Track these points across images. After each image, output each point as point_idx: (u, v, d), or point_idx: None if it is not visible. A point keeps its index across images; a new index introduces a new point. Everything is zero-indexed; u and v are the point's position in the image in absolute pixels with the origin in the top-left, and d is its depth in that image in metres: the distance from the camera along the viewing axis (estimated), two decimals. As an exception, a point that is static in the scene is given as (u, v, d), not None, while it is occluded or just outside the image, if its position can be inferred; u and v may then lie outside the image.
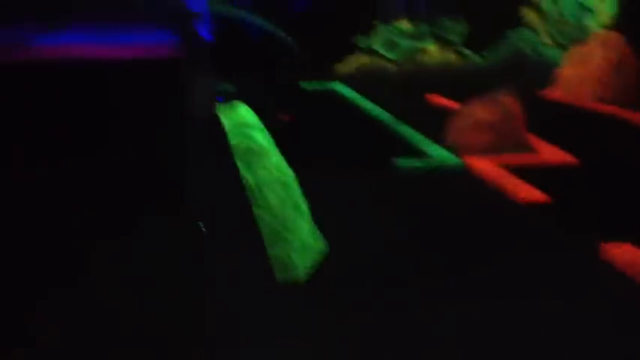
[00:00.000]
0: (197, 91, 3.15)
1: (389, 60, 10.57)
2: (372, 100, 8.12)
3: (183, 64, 2.77)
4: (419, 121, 6.90)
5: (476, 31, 10.64)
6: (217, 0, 9.82)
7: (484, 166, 5.36)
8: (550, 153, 5.75)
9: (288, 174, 3.47)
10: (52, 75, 2.56)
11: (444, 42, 10.74)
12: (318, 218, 3.75)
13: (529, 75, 9.99)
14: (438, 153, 5.70)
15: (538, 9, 10.16)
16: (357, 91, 8.74)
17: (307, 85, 9.25)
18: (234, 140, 3.31)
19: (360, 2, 10.35)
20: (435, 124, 6.22)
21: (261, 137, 3.44)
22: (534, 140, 6.05)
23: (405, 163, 5.43)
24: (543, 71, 9.72)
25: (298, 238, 3.42)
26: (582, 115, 7.38)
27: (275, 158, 3.39)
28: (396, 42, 10.62)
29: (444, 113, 6.96)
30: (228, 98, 7.82)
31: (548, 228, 4.26)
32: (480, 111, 5.83)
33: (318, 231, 3.88)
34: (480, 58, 10.83)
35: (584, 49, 8.14)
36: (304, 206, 3.72)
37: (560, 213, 4.48)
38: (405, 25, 10.65)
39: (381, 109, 7.56)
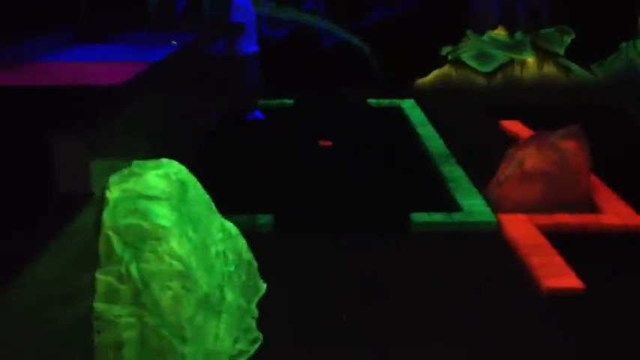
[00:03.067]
0: (69, 162, 2.55)
1: (479, 73, 9.41)
2: (438, 125, 7.14)
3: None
4: (478, 157, 5.88)
5: (583, 41, 9.17)
6: (288, 5, 9.24)
7: (520, 230, 4.30)
8: (616, 214, 4.54)
9: (191, 263, 2.76)
10: None
11: (544, 54, 9.38)
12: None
13: (640, 96, 8.44)
14: (472, 206, 4.71)
15: (659, 17, 8.55)
16: (428, 112, 7.77)
17: (375, 102, 8.40)
18: (121, 219, 2.67)
19: (448, 8, 9.23)
20: (496, 162, 5.16)
21: (165, 213, 2.78)
22: (603, 195, 4.85)
23: (420, 218, 4.50)
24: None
25: (202, 350, 2.72)
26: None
27: (174, 242, 2.71)
28: (489, 53, 9.42)
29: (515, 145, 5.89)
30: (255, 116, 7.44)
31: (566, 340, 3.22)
32: (532, 157, 4.73)
33: (252, 325, 3.16)
34: (587, 73, 9.34)
35: None
36: (229, 297, 3.01)
37: (594, 315, 3.40)
38: (500, 34, 9.43)
39: (439, 139, 6.58)
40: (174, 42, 6.04)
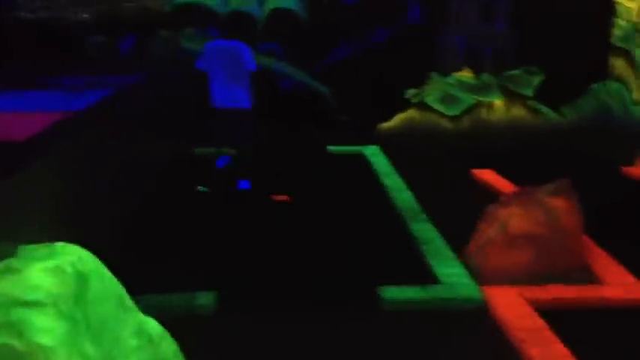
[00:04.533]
0: None
1: (445, 116, 8.89)
2: (404, 174, 6.51)
3: None
4: (452, 213, 5.24)
5: (553, 82, 8.76)
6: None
7: (510, 307, 3.63)
8: (619, 284, 3.91)
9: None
10: None
11: (512, 95, 8.93)
12: None
13: (615, 140, 8.01)
14: (451, 276, 4.02)
15: (630, 58, 8.18)
16: (393, 159, 7.16)
17: (336, 149, 7.76)
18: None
19: (411, 49, 8.73)
20: (472, 219, 4.51)
21: (48, 326, 2.02)
22: (600, 260, 4.24)
23: (394, 294, 3.79)
24: (633, 136, 7.72)
25: None
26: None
27: (60, 367, 1.95)
28: (455, 95, 8.92)
29: (491, 199, 5.26)
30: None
31: None
32: (517, 217, 4.10)
33: None
34: (557, 116, 8.91)
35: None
36: None
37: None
38: (465, 75, 8.96)
39: (407, 191, 5.94)
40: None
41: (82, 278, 2.33)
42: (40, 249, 2.34)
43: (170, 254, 4.47)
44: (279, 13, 8.06)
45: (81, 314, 2.22)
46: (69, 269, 2.28)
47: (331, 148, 7.78)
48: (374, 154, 7.50)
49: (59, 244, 2.39)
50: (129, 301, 2.60)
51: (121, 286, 2.60)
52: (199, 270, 4.24)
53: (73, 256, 2.36)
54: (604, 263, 4.18)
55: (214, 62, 6.07)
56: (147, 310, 3.63)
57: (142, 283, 3.93)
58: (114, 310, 2.46)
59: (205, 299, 3.72)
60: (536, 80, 8.90)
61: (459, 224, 4.77)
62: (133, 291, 3.76)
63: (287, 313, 3.66)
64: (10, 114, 4.01)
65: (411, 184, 6.14)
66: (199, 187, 5.53)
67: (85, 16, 6.34)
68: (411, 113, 8.90)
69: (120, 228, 4.39)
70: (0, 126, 3.57)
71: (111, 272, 2.59)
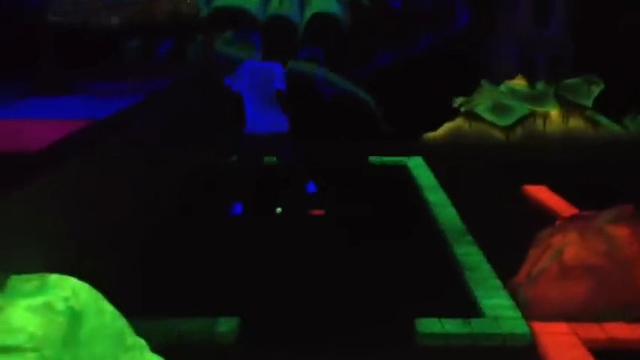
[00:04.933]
0: None
1: (496, 127, 8.45)
2: (450, 190, 6.13)
3: None
4: (500, 235, 4.84)
5: (613, 92, 8.22)
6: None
7: (562, 343, 3.24)
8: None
9: None
10: None
11: (570, 106, 8.42)
12: None
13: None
14: (496, 308, 3.65)
15: (701, 67, 7.59)
16: (438, 172, 6.78)
17: (378, 160, 7.43)
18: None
19: (460, 56, 8.33)
20: (522, 243, 4.12)
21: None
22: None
23: (429, 327, 3.45)
24: None
25: None
26: None
27: None
28: (507, 105, 8.47)
29: (544, 221, 4.85)
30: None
31: None
32: (573, 245, 3.70)
33: None
34: (618, 127, 8.36)
35: None
36: None
37: None
38: (519, 84, 8.50)
39: (452, 208, 5.57)
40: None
41: (75, 316, 2.09)
42: (32, 280, 2.11)
43: (194, 275, 4.23)
44: (320, 18, 7.79)
45: (70, 358, 1.98)
46: (60, 306, 2.04)
47: (373, 159, 7.45)
48: (418, 166, 7.14)
49: (53, 276, 2.16)
50: (131, 339, 2.36)
51: (124, 321, 2.36)
52: (223, 291, 4.00)
53: (66, 290, 2.13)
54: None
55: (247, 82, 5.54)
56: (164, 336, 3.43)
57: (161, 305, 3.75)
58: (112, 350, 2.21)
59: (226, 326, 3.46)
60: (596, 90, 8.38)
61: (508, 248, 4.38)
62: (148, 313, 3.58)
63: (313, 346, 3.37)
64: (29, 121, 3.84)
65: (457, 201, 5.76)
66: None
67: (116, 20, 6.18)
68: (459, 122, 8.50)
69: (138, 248, 4.18)
70: (12, 134, 3.40)
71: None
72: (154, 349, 2.69)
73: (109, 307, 2.30)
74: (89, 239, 3.10)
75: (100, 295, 2.29)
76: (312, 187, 5.84)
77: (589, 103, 8.38)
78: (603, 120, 8.40)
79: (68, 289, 2.13)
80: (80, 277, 2.30)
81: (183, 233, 4.98)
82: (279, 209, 5.29)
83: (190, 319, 3.50)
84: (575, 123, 8.44)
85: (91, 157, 3.23)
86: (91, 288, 2.26)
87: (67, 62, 5.36)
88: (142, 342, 2.49)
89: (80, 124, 3.75)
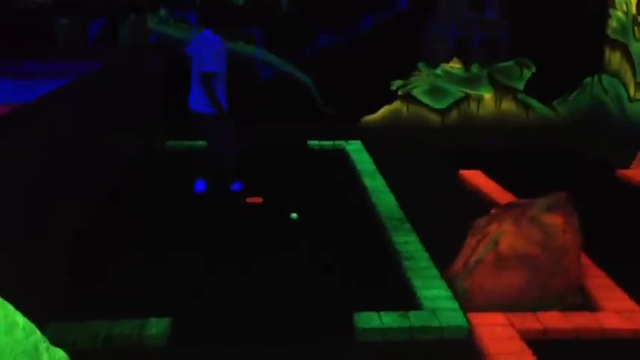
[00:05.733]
0: None
1: (432, 110, 8.48)
2: (387, 172, 6.10)
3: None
4: (437, 221, 4.84)
5: (545, 75, 8.37)
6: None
7: (499, 339, 3.25)
8: (619, 311, 3.54)
9: None
10: None
11: (503, 89, 8.53)
12: None
13: (608, 137, 7.63)
14: (435, 300, 3.63)
15: (627, 51, 7.79)
16: (376, 156, 6.74)
17: (315, 144, 7.32)
18: None
19: (399, 38, 8.27)
20: (459, 229, 4.11)
21: None
22: (597, 281, 3.87)
23: (368, 321, 3.39)
24: (628, 134, 7.35)
25: None
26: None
27: None
28: (443, 88, 8.51)
29: (480, 207, 4.88)
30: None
31: None
32: (509, 235, 3.71)
33: None
34: (548, 110, 8.53)
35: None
36: None
37: None
38: (454, 67, 8.54)
39: (390, 194, 5.53)
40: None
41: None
42: None
43: (123, 271, 4.03)
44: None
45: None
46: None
47: (311, 142, 7.34)
48: (356, 150, 7.08)
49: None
50: (47, 354, 2.17)
51: (38, 334, 2.16)
52: (155, 288, 3.82)
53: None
54: (601, 285, 3.80)
55: (192, 53, 5.36)
56: (90, 341, 3.24)
57: (88, 306, 3.55)
58: (25, 369, 2.03)
59: (157, 328, 3.30)
60: (528, 73, 8.51)
61: (445, 236, 4.39)
62: (73, 316, 3.38)
63: (249, 346, 3.26)
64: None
65: (395, 186, 5.74)
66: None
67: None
68: (396, 106, 8.50)
69: (65, 243, 3.94)
70: None
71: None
72: (80, 355, 2.51)
73: (21, 321, 2.11)
74: (2, 241, 2.87)
75: (10, 308, 2.09)
76: (237, 186, 5.60)
77: (521, 86, 8.51)
78: (534, 103, 8.56)
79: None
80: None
81: (116, 224, 4.75)
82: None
83: (118, 322, 3.32)
84: (508, 106, 8.57)
85: (9, 147, 2.98)
86: (1, 300, 2.07)
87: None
88: (60, 354, 2.30)
89: (2, 110, 3.49)
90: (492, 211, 4.09)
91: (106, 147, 5.16)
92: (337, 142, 7.37)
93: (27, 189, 3.28)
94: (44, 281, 3.45)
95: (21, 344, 2.05)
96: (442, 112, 8.51)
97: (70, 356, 2.32)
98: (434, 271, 3.98)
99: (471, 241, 3.94)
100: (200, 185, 5.60)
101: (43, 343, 2.17)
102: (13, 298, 2.20)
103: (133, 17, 7.43)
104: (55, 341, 2.33)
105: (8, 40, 6.36)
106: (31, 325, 2.15)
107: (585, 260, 4.02)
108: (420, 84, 8.50)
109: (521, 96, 8.51)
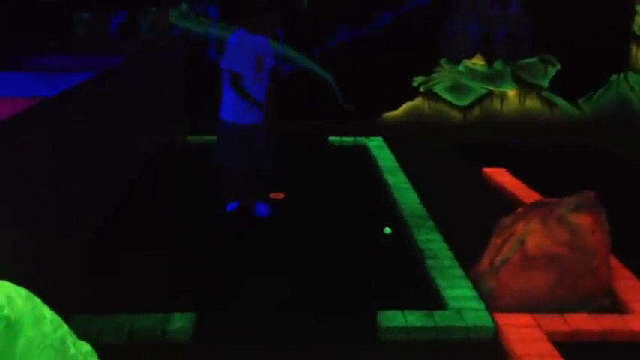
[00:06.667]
0: None
1: (454, 107, 8.40)
2: (410, 171, 6.04)
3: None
4: (461, 220, 4.79)
5: (569, 73, 8.25)
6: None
7: (526, 341, 3.19)
8: (648, 315, 3.48)
9: None
10: None
11: (527, 86, 8.42)
12: None
13: (634, 136, 7.50)
14: (460, 300, 3.58)
15: (655, 49, 7.66)
16: (398, 153, 6.68)
17: (336, 140, 7.28)
18: None
19: (420, 33, 8.19)
20: (483, 228, 4.02)
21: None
22: (627, 285, 3.79)
23: (392, 320, 3.35)
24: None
25: None
26: None
27: None
28: (465, 84, 8.42)
29: (505, 206, 4.82)
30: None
31: None
32: (535, 234, 3.64)
33: None
34: (573, 108, 8.41)
35: None
36: None
37: None
38: (477, 63, 8.44)
39: (413, 192, 5.48)
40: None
41: (10, 327, 1.89)
42: None
43: (148, 268, 4.03)
44: (277, -6, 7.53)
45: (3, 377, 1.79)
46: (-9, 318, 1.84)
47: (333, 139, 7.31)
48: (378, 147, 7.02)
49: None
50: (74, 347, 2.17)
51: (65, 328, 2.16)
52: (178, 283, 3.82)
53: (0, 297, 1.92)
54: (630, 287, 3.73)
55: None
56: (114, 334, 3.24)
57: (112, 301, 3.55)
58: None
59: (181, 322, 3.29)
60: (552, 70, 8.39)
61: (469, 235, 4.34)
62: (97, 309, 3.38)
63: (272, 343, 3.23)
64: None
65: (417, 183, 5.68)
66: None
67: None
68: (418, 102, 8.42)
69: (88, 239, 3.94)
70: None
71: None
72: (104, 348, 2.51)
73: (49, 314, 2.11)
74: (29, 233, 2.87)
75: (38, 301, 2.09)
76: (261, 210, 4.99)
77: (545, 83, 8.39)
78: (559, 100, 8.44)
79: (2, 297, 1.93)
80: (17, 281, 2.10)
81: (139, 221, 4.75)
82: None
83: (142, 315, 3.32)
84: (532, 103, 8.45)
85: (39, 136, 2.98)
86: (30, 294, 2.06)
87: (15, 35, 5.00)
88: (87, 347, 2.30)
89: (27, 103, 3.49)
90: (518, 209, 4.02)
91: (128, 140, 5.16)
92: (358, 139, 7.33)
93: (54, 181, 3.28)
94: (69, 273, 3.46)
95: (49, 337, 2.04)
96: (464, 109, 8.42)
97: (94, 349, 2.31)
98: (458, 271, 3.93)
99: (496, 240, 3.88)
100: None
101: (70, 337, 2.16)
102: (41, 291, 2.20)
103: (154, 11, 7.44)
104: (79, 334, 2.32)
105: (31, 33, 6.39)
106: (58, 319, 2.15)
107: (613, 261, 3.94)
108: (442, 80, 8.42)
109: (545, 93, 8.40)
